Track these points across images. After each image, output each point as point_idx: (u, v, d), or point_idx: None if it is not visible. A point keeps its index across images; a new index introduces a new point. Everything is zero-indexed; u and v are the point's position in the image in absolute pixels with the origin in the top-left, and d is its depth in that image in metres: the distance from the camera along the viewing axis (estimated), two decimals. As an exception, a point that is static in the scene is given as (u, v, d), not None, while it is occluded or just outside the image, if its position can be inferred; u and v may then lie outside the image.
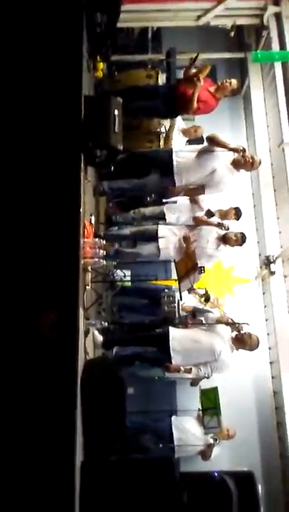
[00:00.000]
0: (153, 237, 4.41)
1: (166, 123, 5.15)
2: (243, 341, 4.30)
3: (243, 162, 4.38)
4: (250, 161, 4.44)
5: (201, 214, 4.70)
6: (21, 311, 3.08)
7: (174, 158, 4.39)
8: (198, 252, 4.17)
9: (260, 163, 4.63)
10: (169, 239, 4.43)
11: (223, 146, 4.32)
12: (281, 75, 5.67)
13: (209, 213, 4.57)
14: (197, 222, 4.62)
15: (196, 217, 4.72)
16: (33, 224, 3.31)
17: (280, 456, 5.28)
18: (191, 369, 4.33)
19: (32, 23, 3.83)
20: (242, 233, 4.54)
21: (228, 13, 5.77)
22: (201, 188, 4.47)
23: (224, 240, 4.43)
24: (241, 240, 4.49)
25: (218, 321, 4.45)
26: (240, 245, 4.53)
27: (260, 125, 6.09)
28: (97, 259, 3.61)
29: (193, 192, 4.53)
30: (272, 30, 5.80)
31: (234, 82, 4.61)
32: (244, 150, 4.39)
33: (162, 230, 4.49)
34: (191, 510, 2.99)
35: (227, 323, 4.43)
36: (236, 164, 4.42)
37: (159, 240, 4.40)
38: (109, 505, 3.10)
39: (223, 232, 4.48)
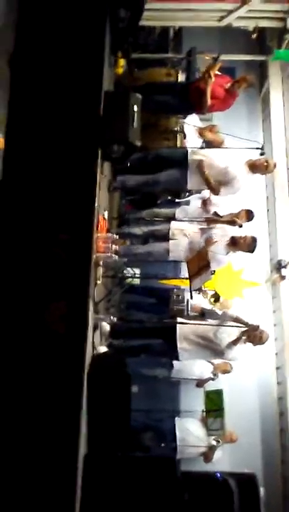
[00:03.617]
0: (164, 237, 4.37)
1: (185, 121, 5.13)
2: (255, 339, 4.24)
3: (258, 164, 4.35)
4: (265, 164, 4.41)
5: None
6: (32, 301, 3.08)
7: (190, 155, 4.37)
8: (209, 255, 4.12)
9: (275, 166, 4.59)
10: (179, 240, 4.37)
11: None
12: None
13: (216, 215, 4.53)
14: (209, 223, 4.57)
15: (208, 217, 4.68)
16: (48, 215, 3.33)
17: (282, 462, 5.24)
18: None
19: (57, 16, 3.84)
20: (253, 237, 4.40)
21: (251, 15, 5.72)
22: (217, 186, 4.41)
23: (234, 244, 4.35)
24: (252, 244, 4.38)
25: (232, 319, 4.37)
26: (251, 251, 4.43)
27: (277, 128, 6.06)
28: (109, 254, 3.60)
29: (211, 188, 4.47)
30: (295, 34, 5.77)
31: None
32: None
33: (174, 230, 4.44)
34: (193, 510, 2.98)
35: (239, 321, 4.36)
36: (251, 166, 4.39)
37: (170, 241, 4.34)
38: (110, 500, 3.10)
39: (234, 234, 4.41)
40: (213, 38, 6.28)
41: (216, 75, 4.47)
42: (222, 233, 4.36)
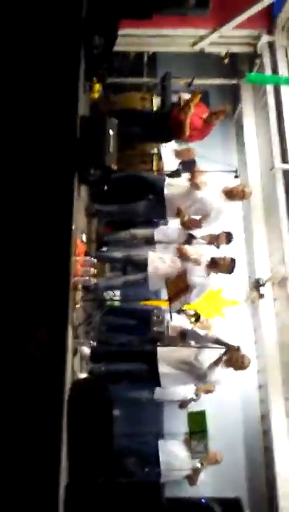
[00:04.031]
0: (142, 265, 4.37)
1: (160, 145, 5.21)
2: (234, 360, 4.23)
3: (235, 193, 4.43)
4: (242, 192, 4.50)
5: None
6: (12, 328, 3.04)
7: (166, 188, 4.43)
8: (191, 278, 4.13)
9: (250, 194, 4.68)
10: (158, 268, 4.36)
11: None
12: (273, 102, 5.80)
13: (190, 237, 4.56)
14: (182, 256, 4.43)
15: (179, 248, 4.52)
16: (24, 240, 3.31)
17: (266, 480, 5.21)
18: None
19: (31, 42, 3.90)
20: (232, 259, 4.42)
21: (223, 40, 5.92)
22: (198, 221, 4.47)
23: (214, 265, 4.38)
24: (230, 265, 4.41)
25: (212, 340, 4.37)
26: (230, 272, 4.45)
27: (251, 150, 6.19)
28: (87, 278, 3.59)
29: (192, 224, 4.53)
30: (266, 59, 5.97)
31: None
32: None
33: (152, 258, 4.42)
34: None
35: (219, 343, 4.37)
36: (228, 194, 4.47)
37: (148, 270, 4.33)
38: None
39: (212, 255, 4.44)
40: (186, 62, 6.44)
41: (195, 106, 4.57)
42: (200, 256, 4.37)
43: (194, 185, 4.45)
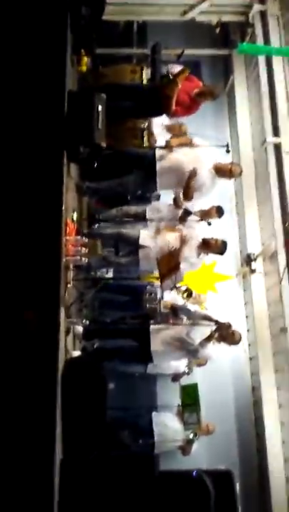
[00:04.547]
0: (134, 244, 4.36)
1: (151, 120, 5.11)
2: (225, 336, 4.30)
3: (224, 170, 4.41)
4: (230, 170, 4.46)
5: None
6: (2, 310, 3.05)
7: (158, 158, 4.37)
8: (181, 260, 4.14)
9: (240, 173, 4.63)
10: (149, 248, 4.37)
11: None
12: (265, 73, 5.68)
13: (186, 212, 4.56)
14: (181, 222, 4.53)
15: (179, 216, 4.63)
16: (14, 221, 3.28)
17: (257, 450, 5.37)
18: None
19: (14, 15, 3.76)
20: (223, 241, 4.47)
21: (214, 9, 5.76)
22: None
23: (205, 246, 4.40)
24: (222, 247, 4.44)
25: (203, 318, 4.43)
26: (222, 254, 4.48)
27: (243, 123, 6.11)
28: (78, 257, 3.59)
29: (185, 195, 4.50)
30: (257, 28, 5.82)
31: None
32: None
33: (144, 237, 4.43)
34: (170, 508, 3.03)
35: (210, 319, 4.43)
36: (217, 170, 4.42)
37: (140, 251, 4.33)
38: (88, 501, 3.12)
39: (204, 236, 4.44)
40: (177, 32, 6.28)
41: (186, 79, 4.47)
42: (193, 236, 4.37)
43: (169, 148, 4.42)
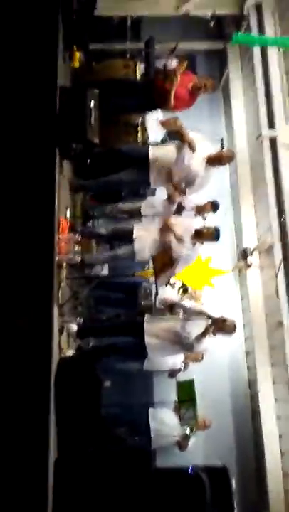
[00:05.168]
0: (128, 238, 4.34)
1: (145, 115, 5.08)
2: (221, 329, 4.28)
3: (213, 158, 4.35)
4: (220, 155, 4.41)
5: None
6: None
7: (150, 154, 4.34)
8: (176, 253, 4.12)
9: (229, 158, 4.57)
10: (144, 240, 4.35)
11: (181, 135, 4.31)
12: (260, 67, 5.64)
13: (180, 207, 4.53)
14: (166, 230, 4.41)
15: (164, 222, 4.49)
16: (6, 220, 3.26)
17: (254, 445, 5.39)
18: None
19: (5, 10, 3.72)
20: (216, 227, 4.43)
21: (208, 2, 5.69)
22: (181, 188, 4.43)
23: (198, 235, 4.38)
24: (214, 233, 4.42)
25: (198, 313, 4.42)
26: (216, 240, 4.46)
27: (238, 117, 6.08)
28: (72, 255, 3.57)
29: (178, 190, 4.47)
30: (252, 21, 5.77)
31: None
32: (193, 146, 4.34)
33: (138, 230, 4.42)
34: (166, 504, 3.04)
35: (205, 315, 4.42)
36: (209, 161, 4.39)
37: (135, 241, 4.32)
38: (84, 498, 3.12)
39: (198, 227, 4.42)
40: (171, 26, 6.21)
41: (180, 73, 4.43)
42: (186, 227, 4.35)
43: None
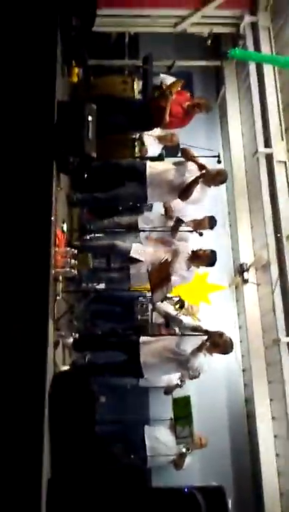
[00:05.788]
0: (125, 257, 4.34)
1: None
2: (217, 345, 4.23)
3: (208, 178, 4.37)
4: (217, 172, 4.44)
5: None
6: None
7: (148, 170, 4.36)
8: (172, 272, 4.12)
9: (222, 180, 4.59)
10: (141, 263, 4.33)
11: (193, 160, 4.35)
12: (257, 85, 5.70)
13: (178, 221, 4.53)
14: (173, 232, 4.52)
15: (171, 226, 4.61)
16: (1, 231, 3.23)
17: (251, 463, 5.30)
18: None
19: (4, 25, 3.75)
20: (212, 250, 4.45)
21: (205, 21, 5.79)
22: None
23: (195, 257, 4.38)
24: (211, 257, 4.41)
25: (193, 329, 4.39)
26: (212, 265, 4.47)
27: (235, 134, 6.13)
28: (68, 269, 3.54)
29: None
30: (248, 39, 5.84)
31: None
32: (205, 168, 4.37)
33: (135, 250, 4.40)
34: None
35: (201, 331, 4.39)
36: (205, 180, 4.41)
37: (131, 267, 4.30)
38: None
39: (194, 248, 4.43)
40: (169, 43, 6.32)
41: (176, 92, 4.47)
42: (183, 249, 4.35)
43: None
